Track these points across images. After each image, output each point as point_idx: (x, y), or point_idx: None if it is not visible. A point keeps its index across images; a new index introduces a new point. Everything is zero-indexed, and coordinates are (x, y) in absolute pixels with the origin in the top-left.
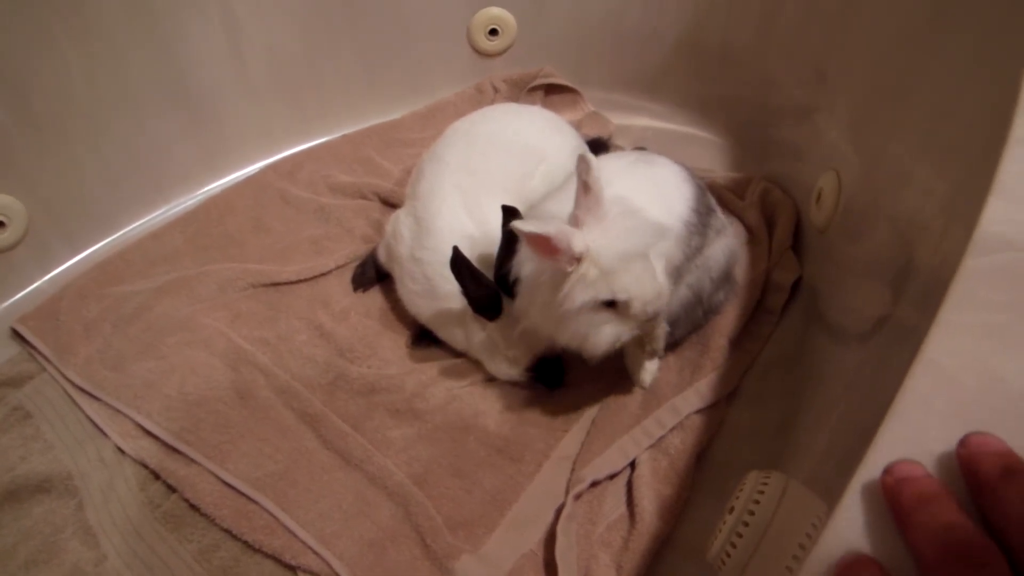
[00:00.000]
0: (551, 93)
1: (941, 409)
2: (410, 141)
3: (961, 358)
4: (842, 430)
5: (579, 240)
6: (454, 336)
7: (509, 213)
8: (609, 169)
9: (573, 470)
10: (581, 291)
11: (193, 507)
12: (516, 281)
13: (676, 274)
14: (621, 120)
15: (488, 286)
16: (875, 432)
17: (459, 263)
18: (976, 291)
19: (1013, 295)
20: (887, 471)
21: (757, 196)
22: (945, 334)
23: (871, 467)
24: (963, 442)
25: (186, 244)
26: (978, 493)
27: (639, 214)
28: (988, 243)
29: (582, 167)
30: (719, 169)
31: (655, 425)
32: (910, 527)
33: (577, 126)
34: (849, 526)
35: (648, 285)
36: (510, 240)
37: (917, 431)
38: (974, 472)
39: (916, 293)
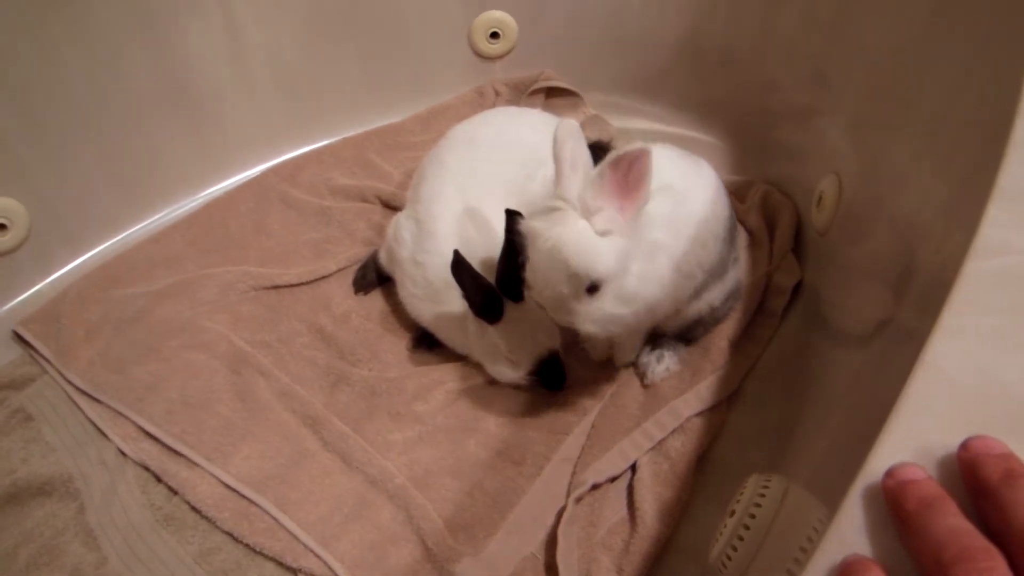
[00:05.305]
0: (552, 96)
1: (942, 412)
2: (411, 144)
3: (962, 361)
4: (843, 433)
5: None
6: (455, 339)
7: (512, 217)
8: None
9: (574, 473)
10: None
11: (194, 509)
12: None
13: (697, 290)
14: (621, 123)
15: (489, 289)
16: (876, 435)
17: (460, 266)
18: (977, 294)
19: (1014, 298)
20: (888, 474)
21: (758, 199)
22: (946, 337)
23: (872, 470)
24: (964, 445)
25: (187, 247)
26: (979, 496)
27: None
28: (989, 246)
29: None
30: (719, 172)
31: (655, 428)
32: (912, 530)
33: None
34: (851, 529)
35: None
36: (513, 244)
37: (918, 434)
38: (975, 475)
39: (917, 296)
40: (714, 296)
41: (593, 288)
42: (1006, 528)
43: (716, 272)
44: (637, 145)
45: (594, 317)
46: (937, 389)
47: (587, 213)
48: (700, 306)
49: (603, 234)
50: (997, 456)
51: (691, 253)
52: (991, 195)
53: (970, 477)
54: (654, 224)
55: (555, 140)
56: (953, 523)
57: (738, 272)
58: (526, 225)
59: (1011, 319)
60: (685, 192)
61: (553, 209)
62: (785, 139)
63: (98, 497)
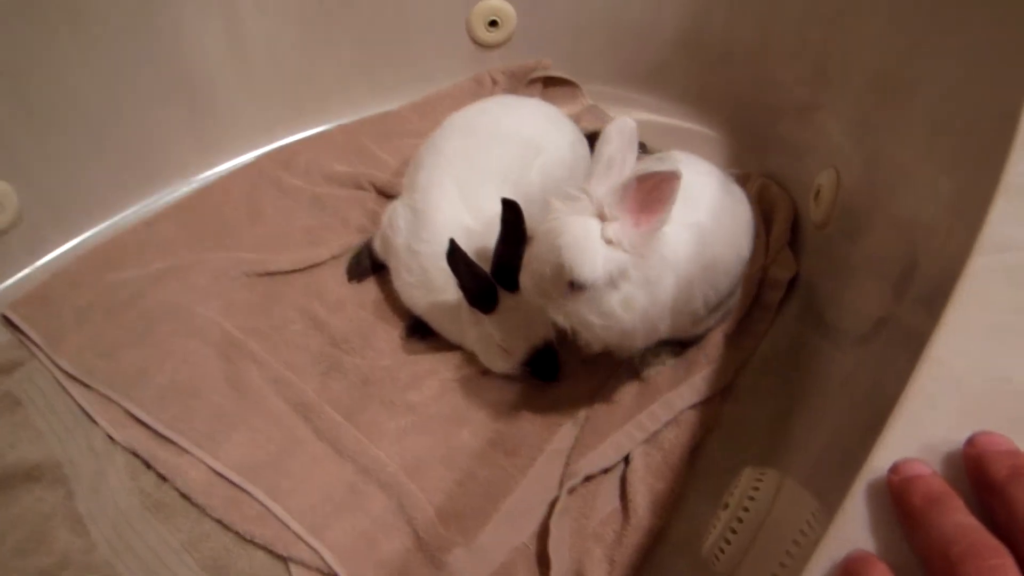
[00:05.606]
0: (550, 86)
1: (947, 408)
2: (407, 132)
3: (967, 357)
4: (839, 429)
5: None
6: (449, 328)
7: (509, 207)
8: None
9: (567, 464)
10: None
11: (184, 496)
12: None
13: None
14: (619, 114)
15: (484, 279)
16: (876, 431)
17: (456, 255)
18: (982, 290)
19: (1020, 295)
20: (893, 470)
21: (755, 192)
22: (951, 333)
23: (876, 466)
24: (970, 441)
25: (180, 232)
26: (986, 493)
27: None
28: (994, 242)
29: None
30: (716, 165)
31: (649, 419)
32: (917, 527)
33: (575, 119)
34: (854, 524)
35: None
36: (510, 233)
37: (923, 430)
38: (981, 472)
39: (920, 292)
40: (712, 320)
41: (577, 286)
42: (1013, 525)
43: (719, 305)
44: (670, 166)
45: (566, 311)
46: (942, 385)
47: (602, 217)
48: (696, 329)
49: (608, 242)
50: (1003, 452)
51: (698, 296)
52: (997, 190)
53: (976, 473)
54: (668, 261)
55: (604, 134)
56: (960, 519)
57: (737, 294)
58: (546, 198)
59: (1017, 316)
60: (715, 234)
61: (575, 198)
62: (783, 133)
63: (87, 483)
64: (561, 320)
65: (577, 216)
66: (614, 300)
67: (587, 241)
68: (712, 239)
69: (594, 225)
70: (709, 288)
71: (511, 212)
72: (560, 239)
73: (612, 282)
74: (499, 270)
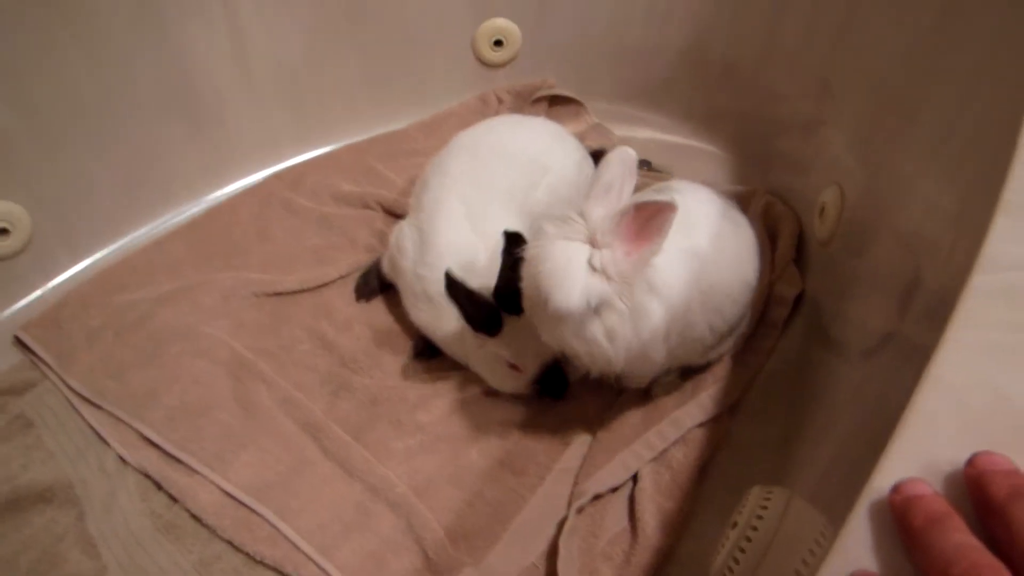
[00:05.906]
0: (555, 104)
1: (948, 428)
2: (414, 151)
3: (969, 376)
4: (846, 446)
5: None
6: (456, 349)
7: (512, 239)
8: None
9: (575, 483)
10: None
11: (195, 517)
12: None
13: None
14: (624, 132)
15: (486, 304)
16: (881, 449)
17: (454, 286)
18: (984, 309)
19: (1021, 314)
20: (895, 489)
21: (760, 209)
22: (953, 352)
23: (878, 485)
24: (971, 461)
25: (189, 253)
26: (986, 513)
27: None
28: (996, 261)
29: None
30: (722, 182)
31: (657, 438)
32: (919, 547)
33: (580, 138)
34: (857, 544)
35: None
36: (510, 262)
37: (924, 449)
38: (982, 492)
39: (923, 309)
40: (724, 346)
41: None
42: (1013, 544)
43: (730, 331)
44: (668, 197)
45: (552, 335)
46: (943, 404)
47: (594, 243)
48: (709, 356)
49: (595, 270)
50: (1004, 472)
51: (701, 323)
52: (997, 208)
53: (976, 493)
54: (657, 291)
55: (605, 159)
56: (961, 539)
57: (747, 319)
58: (538, 223)
59: (1019, 335)
60: (714, 261)
61: (570, 220)
62: (788, 149)
63: (98, 504)
64: (545, 336)
65: (564, 241)
66: (596, 329)
67: (567, 270)
68: (711, 266)
69: (580, 252)
70: (714, 315)
71: (515, 245)
72: (542, 266)
73: (595, 310)
74: (502, 297)
